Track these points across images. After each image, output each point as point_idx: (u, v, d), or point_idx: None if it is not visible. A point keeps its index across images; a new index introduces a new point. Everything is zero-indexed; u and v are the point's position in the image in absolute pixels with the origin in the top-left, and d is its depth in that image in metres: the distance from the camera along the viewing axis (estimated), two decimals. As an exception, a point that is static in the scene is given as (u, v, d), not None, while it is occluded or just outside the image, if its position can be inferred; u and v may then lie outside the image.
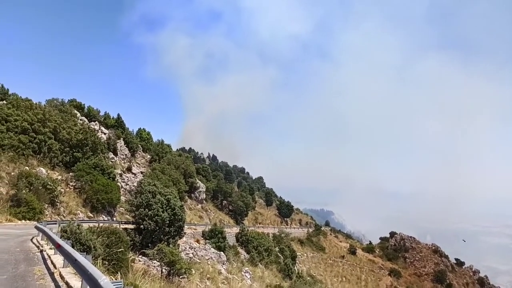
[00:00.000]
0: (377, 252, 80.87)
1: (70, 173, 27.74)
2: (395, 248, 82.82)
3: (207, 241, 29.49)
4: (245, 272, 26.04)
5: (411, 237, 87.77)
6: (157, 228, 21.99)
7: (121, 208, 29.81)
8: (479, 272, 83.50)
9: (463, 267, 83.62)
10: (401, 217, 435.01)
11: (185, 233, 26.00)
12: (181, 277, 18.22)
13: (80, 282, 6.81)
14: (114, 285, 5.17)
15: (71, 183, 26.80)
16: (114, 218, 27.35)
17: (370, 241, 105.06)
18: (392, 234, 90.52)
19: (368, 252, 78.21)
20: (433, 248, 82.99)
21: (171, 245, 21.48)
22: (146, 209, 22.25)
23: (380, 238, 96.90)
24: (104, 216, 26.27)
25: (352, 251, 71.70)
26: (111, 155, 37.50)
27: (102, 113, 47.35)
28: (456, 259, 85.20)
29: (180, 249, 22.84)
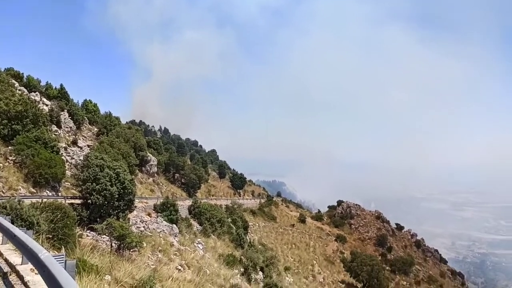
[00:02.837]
0: (325, 219, 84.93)
1: (9, 147, 26.10)
2: (341, 216, 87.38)
3: (158, 214, 29.39)
4: (197, 243, 26.43)
5: (356, 204, 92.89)
6: (106, 202, 21.56)
7: (67, 183, 28.69)
8: (417, 235, 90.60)
9: (403, 231, 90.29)
10: (349, 186, 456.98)
11: (135, 207, 25.73)
12: (132, 250, 18.16)
13: (21, 258, 6.66)
14: (55, 258, 5.12)
15: (10, 158, 25.27)
16: (59, 194, 26.33)
17: (319, 209, 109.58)
18: (339, 202, 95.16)
19: (316, 220, 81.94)
20: (376, 214, 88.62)
21: (121, 219, 21.22)
22: (94, 184, 21.66)
23: (328, 207, 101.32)
24: (48, 192, 25.19)
25: (302, 220, 74.71)
26: (54, 127, 35.56)
27: (43, 83, 44.39)
28: (397, 224, 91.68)
29: (130, 223, 22.64)
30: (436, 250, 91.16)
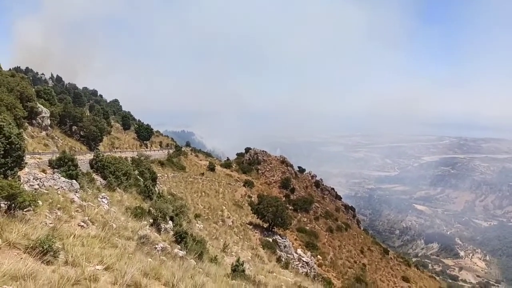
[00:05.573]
0: (234, 167, 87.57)
1: None
2: (249, 162, 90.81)
3: (55, 170, 27.17)
4: (102, 198, 25.31)
5: (263, 151, 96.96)
6: (-11, 160, 19.18)
7: None
8: (316, 176, 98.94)
9: (304, 173, 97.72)
10: (257, 134, 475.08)
11: (26, 163, 23.35)
12: (25, 210, 16.73)
13: None
14: None
15: None
16: None
17: (228, 157, 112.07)
18: (247, 149, 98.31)
19: (225, 168, 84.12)
20: (281, 159, 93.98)
21: (9, 178, 19.22)
22: (-29, 140, 18.97)
23: (237, 154, 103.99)
24: None
25: (211, 168, 76.00)
26: None
27: None
28: (299, 167, 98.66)
29: (22, 181, 20.63)
30: (333, 188, 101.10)
